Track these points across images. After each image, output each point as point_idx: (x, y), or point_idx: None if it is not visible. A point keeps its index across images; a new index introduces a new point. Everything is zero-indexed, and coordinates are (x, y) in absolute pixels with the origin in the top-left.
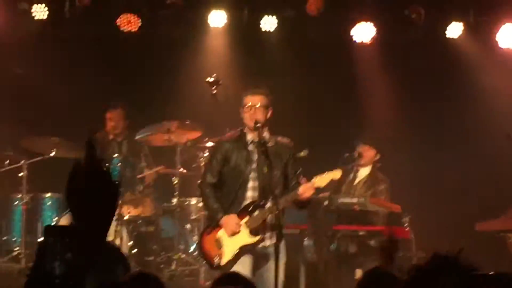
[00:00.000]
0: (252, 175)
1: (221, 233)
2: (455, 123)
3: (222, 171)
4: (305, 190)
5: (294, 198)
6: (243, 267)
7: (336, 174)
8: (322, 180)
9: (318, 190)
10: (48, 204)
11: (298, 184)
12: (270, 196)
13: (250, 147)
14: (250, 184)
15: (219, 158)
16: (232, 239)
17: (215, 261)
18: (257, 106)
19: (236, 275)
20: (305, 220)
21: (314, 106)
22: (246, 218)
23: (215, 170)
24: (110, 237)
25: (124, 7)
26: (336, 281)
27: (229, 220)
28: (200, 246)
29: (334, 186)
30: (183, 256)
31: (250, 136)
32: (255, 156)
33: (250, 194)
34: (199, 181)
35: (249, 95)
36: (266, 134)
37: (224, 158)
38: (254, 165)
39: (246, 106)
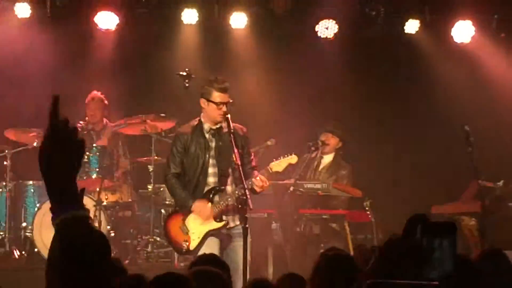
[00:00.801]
0: (211, 161)
1: (189, 220)
2: (414, 113)
3: (183, 161)
4: (259, 182)
5: (249, 187)
6: (212, 249)
7: (292, 159)
8: (278, 165)
9: (276, 174)
10: (31, 191)
11: (253, 168)
12: (228, 179)
13: (207, 135)
14: (210, 170)
15: (179, 149)
16: (198, 225)
17: (184, 246)
18: (225, 102)
19: (213, 256)
20: (272, 204)
21: (280, 98)
22: (209, 204)
23: (177, 161)
24: None
25: (102, 5)
26: (301, 261)
27: (201, 206)
28: (165, 233)
29: (299, 173)
30: (158, 239)
31: (207, 126)
32: (213, 144)
33: (212, 180)
34: (165, 173)
35: (219, 92)
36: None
37: (184, 148)
38: (212, 152)
39: (216, 102)
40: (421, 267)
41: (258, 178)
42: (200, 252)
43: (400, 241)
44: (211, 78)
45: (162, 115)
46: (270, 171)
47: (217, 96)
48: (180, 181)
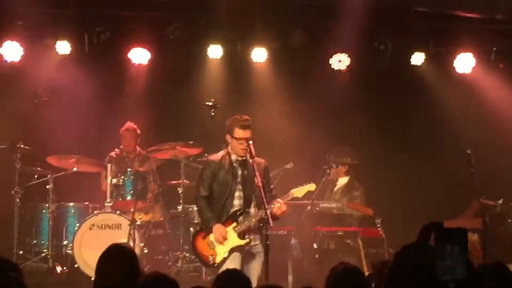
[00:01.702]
0: (237, 187)
1: (213, 237)
2: (420, 138)
3: (212, 185)
4: (279, 209)
5: (272, 212)
6: (235, 264)
7: (311, 187)
8: (298, 191)
9: (295, 199)
10: (71, 212)
11: (273, 196)
12: (252, 203)
13: (235, 165)
14: (236, 194)
15: (209, 174)
16: (223, 242)
17: (210, 260)
18: (247, 138)
19: (236, 271)
20: (291, 222)
21: (297, 125)
22: (234, 224)
23: (206, 184)
24: (124, 240)
25: (135, 42)
26: (319, 274)
27: (220, 228)
28: (193, 248)
29: (318, 193)
30: (188, 255)
31: (234, 157)
32: (239, 172)
33: (237, 203)
34: (194, 195)
35: (240, 129)
36: (248, 155)
37: (213, 174)
38: (238, 179)
39: (238, 138)
40: (435, 272)
41: (278, 203)
42: (224, 266)
43: (414, 248)
44: (235, 116)
45: (190, 142)
46: (291, 197)
47: (239, 132)
48: (208, 203)
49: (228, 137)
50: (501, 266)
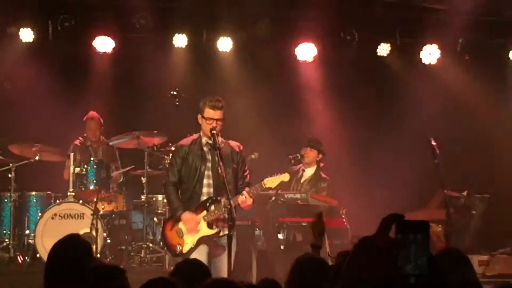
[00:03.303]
0: (207, 173)
1: (181, 225)
2: (385, 129)
3: (181, 171)
4: (244, 201)
5: (235, 204)
6: (201, 254)
7: (285, 177)
8: (272, 182)
9: (268, 189)
10: (33, 201)
11: (247, 184)
12: (224, 192)
13: (205, 149)
14: (205, 181)
15: (178, 160)
16: (192, 231)
17: (178, 249)
18: (216, 119)
19: (197, 261)
20: (256, 213)
21: (264, 115)
22: (204, 212)
23: (176, 170)
24: (87, 230)
25: (100, 30)
26: (284, 265)
27: (189, 218)
28: (163, 236)
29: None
30: (151, 245)
31: (204, 140)
32: (209, 156)
33: (206, 190)
34: (164, 181)
35: (209, 108)
36: (219, 139)
37: (182, 159)
38: (208, 164)
39: (207, 118)
40: (396, 262)
41: (244, 196)
42: (191, 257)
43: (374, 239)
44: (208, 96)
45: (154, 131)
46: (264, 187)
47: (209, 112)
48: (176, 189)
49: (199, 117)
50: (458, 253)
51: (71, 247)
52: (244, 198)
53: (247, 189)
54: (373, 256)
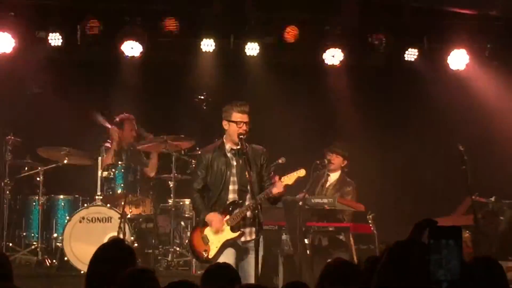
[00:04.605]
0: (232, 179)
1: (207, 231)
2: (413, 134)
3: (206, 178)
4: (278, 188)
5: (268, 195)
6: (228, 259)
7: (301, 172)
8: (289, 179)
9: (288, 186)
10: (61, 204)
11: (272, 184)
12: (247, 195)
13: (229, 155)
14: (231, 187)
15: (202, 167)
16: (216, 235)
17: (204, 255)
18: (245, 122)
19: (227, 265)
20: (283, 217)
21: (290, 120)
22: (227, 217)
23: (200, 177)
24: (114, 233)
25: (128, 35)
26: (310, 270)
27: (213, 217)
28: (190, 243)
29: (308, 188)
30: (178, 249)
31: (228, 146)
32: (234, 162)
33: (231, 196)
34: (190, 188)
35: (237, 112)
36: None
37: (207, 167)
38: (233, 170)
39: (236, 122)
40: (429, 269)
41: (276, 185)
42: (219, 261)
43: (407, 244)
44: (233, 101)
45: (182, 136)
46: (282, 183)
47: (236, 115)
48: (200, 196)
49: (224, 123)
50: (492, 262)
51: (116, 251)
52: (277, 186)
53: (276, 177)
54: (407, 261)
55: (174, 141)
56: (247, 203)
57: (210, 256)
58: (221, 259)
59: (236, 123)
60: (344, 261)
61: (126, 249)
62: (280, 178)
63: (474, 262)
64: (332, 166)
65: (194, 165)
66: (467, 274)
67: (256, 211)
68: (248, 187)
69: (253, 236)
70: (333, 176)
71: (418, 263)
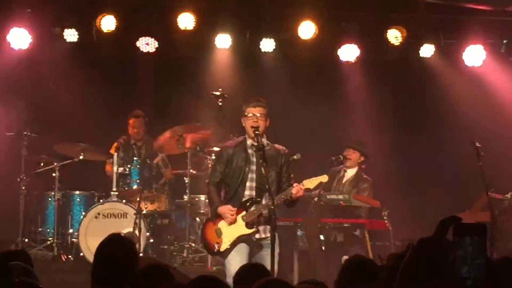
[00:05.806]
0: (250, 176)
1: (221, 224)
2: (428, 130)
3: (225, 172)
4: (297, 191)
5: (286, 197)
6: (241, 254)
7: (324, 178)
8: (310, 183)
9: (307, 190)
10: (77, 200)
11: (291, 185)
12: (265, 193)
13: (250, 151)
14: (248, 184)
15: (222, 161)
16: (230, 230)
17: (215, 247)
18: (258, 115)
19: (260, 266)
20: (298, 214)
21: (305, 116)
22: (243, 213)
23: (218, 171)
24: (130, 229)
25: (143, 30)
26: (325, 266)
27: (226, 209)
28: (202, 235)
29: (325, 185)
30: (193, 245)
31: (249, 142)
32: (254, 159)
33: (248, 193)
34: (207, 180)
35: (250, 107)
36: (264, 141)
37: (226, 161)
38: (253, 167)
39: (248, 115)
40: (454, 264)
41: (295, 188)
42: (230, 257)
43: (432, 241)
44: (250, 99)
45: (198, 124)
46: (302, 187)
47: (249, 110)
48: (217, 189)
49: (242, 120)
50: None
51: (115, 247)
52: (297, 189)
53: (295, 184)
54: (433, 259)
55: (189, 133)
56: (264, 201)
57: (221, 249)
58: (233, 254)
59: (248, 117)
60: (364, 257)
61: (126, 244)
62: (301, 182)
63: (498, 261)
64: (349, 162)
65: (209, 162)
66: (492, 272)
67: (272, 210)
68: (267, 186)
69: (268, 234)
70: (350, 172)
71: (444, 261)
